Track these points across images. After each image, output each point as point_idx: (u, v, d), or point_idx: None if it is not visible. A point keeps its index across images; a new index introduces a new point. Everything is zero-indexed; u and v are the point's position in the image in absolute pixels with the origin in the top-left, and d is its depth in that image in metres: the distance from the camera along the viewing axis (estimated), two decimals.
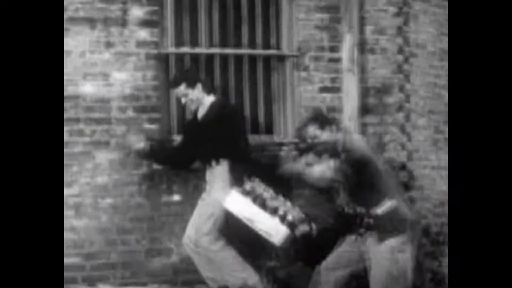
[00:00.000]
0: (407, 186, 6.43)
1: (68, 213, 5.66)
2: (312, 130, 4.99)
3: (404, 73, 6.49)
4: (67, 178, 5.65)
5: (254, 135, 6.18)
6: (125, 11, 5.83)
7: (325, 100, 6.29)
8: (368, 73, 6.40)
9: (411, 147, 6.53)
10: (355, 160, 4.51)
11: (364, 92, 6.37)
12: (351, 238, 4.65)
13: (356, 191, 4.56)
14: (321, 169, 4.58)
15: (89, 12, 5.76)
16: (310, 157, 4.76)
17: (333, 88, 6.31)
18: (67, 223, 5.65)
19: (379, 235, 4.45)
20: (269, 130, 6.28)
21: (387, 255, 4.42)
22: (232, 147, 5.37)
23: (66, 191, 5.63)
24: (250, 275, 5.37)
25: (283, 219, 5.12)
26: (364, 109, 6.36)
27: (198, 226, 5.38)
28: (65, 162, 5.64)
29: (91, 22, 5.76)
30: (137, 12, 5.86)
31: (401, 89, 6.49)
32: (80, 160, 5.70)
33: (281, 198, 5.26)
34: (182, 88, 5.44)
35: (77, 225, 5.71)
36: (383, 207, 4.47)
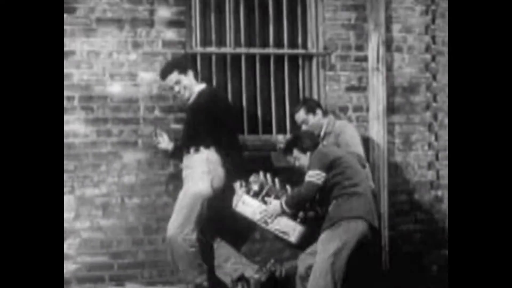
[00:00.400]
0: (433, 185, 6.40)
1: (95, 212, 5.73)
2: (302, 114, 5.67)
3: (431, 71, 6.44)
4: (94, 178, 5.72)
5: (280, 134, 6.20)
6: (152, 12, 5.85)
7: (352, 99, 6.27)
8: (394, 72, 6.37)
9: (438, 146, 6.48)
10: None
11: (391, 91, 6.34)
12: None
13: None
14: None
15: (117, 13, 5.79)
16: (295, 152, 5.25)
17: (360, 87, 6.29)
18: (94, 222, 5.72)
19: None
20: (295, 129, 6.25)
21: (319, 244, 5.01)
22: (213, 137, 5.40)
23: (94, 191, 5.72)
24: (201, 274, 5.43)
25: (295, 216, 5.31)
26: (391, 108, 6.33)
27: (182, 222, 5.36)
28: (93, 162, 5.72)
29: (118, 22, 5.79)
30: (164, 13, 5.88)
31: (428, 88, 6.45)
32: (108, 160, 5.74)
33: (287, 190, 5.38)
34: (174, 75, 5.48)
35: (104, 225, 5.76)
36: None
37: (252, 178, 5.45)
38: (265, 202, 5.34)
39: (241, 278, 5.51)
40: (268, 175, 5.46)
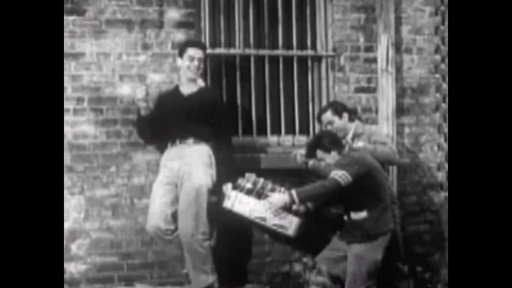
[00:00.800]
0: (442, 187, 6.38)
1: (105, 213, 5.75)
2: (328, 115, 5.63)
3: (441, 73, 6.42)
4: (104, 179, 5.74)
5: (289, 136, 6.20)
6: (161, 13, 5.87)
7: (361, 100, 6.27)
8: (404, 73, 6.36)
9: (448, 148, 6.46)
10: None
11: (400, 92, 6.33)
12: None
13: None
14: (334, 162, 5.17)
15: (126, 15, 5.81)
16: (319, 153, 5.21)
17: (369, 89, 6.28)
18: (104, 223, 5.75)
19: (347, 238, 5.19)
20: (304, 130, 6.27)
21: (351, 258, 5.10)
22: (215, 132, 5.47)
23: (103, 192, 5.74)
24: (212, 275, 5.39)
25: (289, 209, 5.31)
26: (400, 110, 6.32)
27: (195, 221, 5.32)
28: (102, 163, 5.74)
29: (128, 24, 5.81)
30: (173, 14, 5.89)
31: (438, 89, 6.43)
32: (117, 161, 5.76)
33: (279, 187, 5.43)
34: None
35: (114, 225, 5.78)
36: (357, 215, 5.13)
37: (245, 176, 5.47)
38: (259, 199, 5.35)
39: None
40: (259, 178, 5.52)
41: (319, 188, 5.10)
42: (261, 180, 5.47)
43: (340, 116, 5.67)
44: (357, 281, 5.06)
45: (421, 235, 6.29)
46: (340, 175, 4.99)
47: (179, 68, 5.62)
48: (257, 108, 6.19)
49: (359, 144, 5.49)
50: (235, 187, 5.44)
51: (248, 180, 5.45)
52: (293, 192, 5.12)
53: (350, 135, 5.64)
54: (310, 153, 5.34)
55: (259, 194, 5.38)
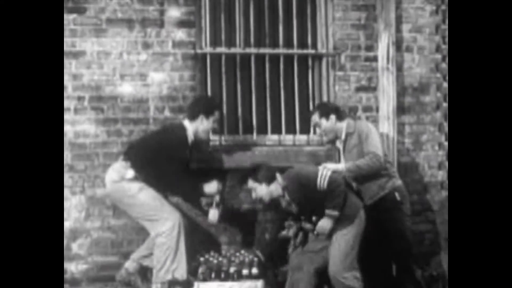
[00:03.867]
0: (443, 185, 6.37)
1: (106, 212, 5.75)
2: (315, 118, 5.66)
3: (441, 71, 6.42)
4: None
5: (289, 135, 6.19)
6: (162, 12, 5.87)
7: (362, 99, 6.25)
8: (405, 72, 6.35)
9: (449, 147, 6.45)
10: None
11: (401, 91, 6.32)
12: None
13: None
14: (265, 193, 5.24)
15: (127, 13, 5.82)
16: (250, 183, 5.26)
17: (370, 87, 6.27)
18: (105, 222, 5.74)
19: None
20: (305, 130, 6.26)
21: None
22: None
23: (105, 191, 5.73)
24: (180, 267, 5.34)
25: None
26: (401, 108, 6.31)
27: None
28: (103, 162, 5.74)
29: (128, 23, 5.82)
30: (174, 13, 5.90)
31: (439, 88, 6.42)
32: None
33: (237, 257, 5.39)
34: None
35: (115, 225, 5.78)
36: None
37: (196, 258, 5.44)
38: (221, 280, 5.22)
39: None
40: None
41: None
42: (216, 255, 5.40)
43: (327, 118, 5.62)
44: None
45: (423, 234, 6.29)
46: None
47: (199, 123, 5.48)
48: (258, 107, 6.19)
49: (339, 166, 5.45)
50: (193, 274, 5.32)
51: (201, 262, 5.35)
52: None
53: (343, 136, 5.63)
54: (244, 180, 5.36)
55: (218, 273, 5.25)
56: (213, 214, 5.47)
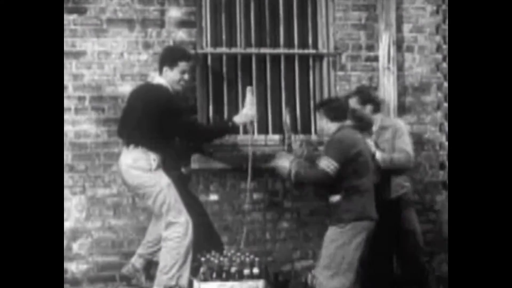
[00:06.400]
0: (445, 185, 6.37)
1: (107, 213, 5.76)
2: (353, 102, 5.55)
3: (442, 71, 6.41)
4: (105, 178, 5.75)
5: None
6: (162, 12, 5.87)
7: None
8: (405, 72, 6.35)
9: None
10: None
11: (402, 91, 6.32)
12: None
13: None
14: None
15: (127, 13, 5.82)
16: (321, 111, 5.23)
17: (370, 87, 6.26)
18: (105, 222, 5.75)
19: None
20: (306, 129, 6.26)
21: (325, 241, 5.02)
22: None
23: (105, 191, 5.74)
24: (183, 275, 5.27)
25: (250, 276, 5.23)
26: (402, 108, 6.31)
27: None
28: (104, 162, 5.74)
29: (129, 23, 5.82)
30: (174, 13, 5.89)
31: (439, 87, 6.42)
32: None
33: (238, 257, 5.34)
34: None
35: (115, 225, 5.78)
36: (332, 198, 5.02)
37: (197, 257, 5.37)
38: (222, 280, 5.20)
39: None
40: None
41: (312, 176, 5.06)
42: (216, 255, 5.35)
43: (364, 106, 5.61)
44: (331, 265, 4.91)
45: (424, 234, 6.26)
46: (325, 164, 4.90)
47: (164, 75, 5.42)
48: (259, 107, 6.17)
49: (377, 154, 5.40)
50: (194, 274, 5.28)
51: (204, 259, 5.31)
52: (293, 171, 5.07)
53: (375, 128, 5.61)
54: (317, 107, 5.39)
55: (220, 273, 5.23)
56: None
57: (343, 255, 4.90)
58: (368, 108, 5.62)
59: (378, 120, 5.64)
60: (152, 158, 5.22)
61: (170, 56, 5.42)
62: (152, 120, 5.18)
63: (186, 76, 5.41)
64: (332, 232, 4.99)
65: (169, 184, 5.26)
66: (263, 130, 6.19)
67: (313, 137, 6.24)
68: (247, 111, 5.50)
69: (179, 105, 5.38)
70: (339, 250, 4.91)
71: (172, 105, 5.26)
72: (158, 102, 5.23)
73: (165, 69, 5.36)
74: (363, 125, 5.55)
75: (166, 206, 5.20)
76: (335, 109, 5.17)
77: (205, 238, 5.77)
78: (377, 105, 5.71)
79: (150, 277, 5.48)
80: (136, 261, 5.52)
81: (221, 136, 5.76)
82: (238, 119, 5.46)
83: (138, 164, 5.21)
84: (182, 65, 5.37)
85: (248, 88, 5.58)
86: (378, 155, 5.40)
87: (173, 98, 5.33)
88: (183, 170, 5.79)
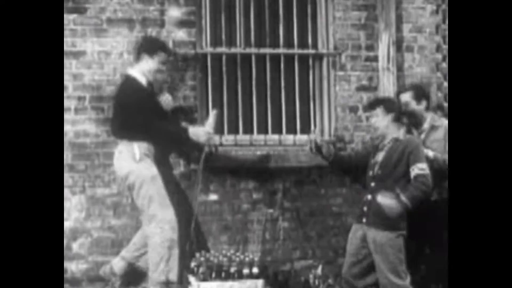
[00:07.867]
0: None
1: (106, 212, 5.76)
2: (407, 96, 5.57)
3: (442, 71, 6.41)
4: (105, 177, 5.75)
5: (290, 135, 6.20)
6: (162, 12, 5.88)
7: (362, 99, 6.25)
8: (405, 72, 6.35)
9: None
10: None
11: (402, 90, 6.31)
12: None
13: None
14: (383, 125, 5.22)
15: (127, 13, 5.82)
16: (378, 110, 5.23)
17: (370, 87, 6.27)
18: (105, 222, 5.75)
19: (368, 221, 5.11)
20: (305, 129, 6.26)
21: (382, 247, 5.05)
22: None
23: (105, 191, 5.74)
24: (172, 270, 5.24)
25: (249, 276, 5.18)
26: None
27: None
28: (103, 161, 5.74)
29: (129, 23, 5.83)
30: (174, 13, 5.90)
31: (439, 87, 6.42)
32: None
33: (239, 255, 5.28)
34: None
35: (115, 224, 5.79)
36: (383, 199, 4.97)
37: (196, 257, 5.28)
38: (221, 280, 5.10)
39: None
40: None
41: (422, 192, 4.98)
42: (212, 255, 5.29)
43: (419, 102, 5.59)
44: (397, 269, 5.02)
45: None
46: (424, 169, 5.01)
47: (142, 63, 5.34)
48: (258, 107, 6.19)
49: (429, 153, 5.36)
50: (191, 272, 5.23)
51: (199, 261, 5.22)
52: (404, 199, 4.93)
53: (426, 125, 5.57)
54: (370, 106, 5.34)
55: (218, 272, 5.15)
56: None
57: (401, 259, 5.04)
58: (423, 105, 5.59)
59: (428, 118, 5.60)
60: (136, 149, 5.17)
61: (150, 45, 5.39)
62: (121, 113, 5.22)
63: (163, 68, 5.38)
64: (388, 238, 5.01)
65: (154, 177, 5.17)
66: (263, 130, 6.20)
67: (311, 136, 6.22)
68: (204, 131, 5.27)
69: (142, 100, 5.21)
70: (398, 254, 5.03)
71: (132, 99, 5.18)
72: (123, 93, 5.25)
73: (145, 57, 5.29)
74: (415, 122, 5.57)
75: (147, 199, 5.14)
76: (398, 109, 5.26)
77: (205, 238, 5.80)
78: (429, 103, 5.70)
79: (126, 284, 5.47)
80: (116, 265, 5.47)
81: (176, 143, 5.70)
82: (192, 133, 5.24)
83: (122, 156, 5.21)
84: (162, 55, 5.32)
85: (214, 112, 5.43)
86: (431, 154, 5.35)
87: (138, 92, 5.24)
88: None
